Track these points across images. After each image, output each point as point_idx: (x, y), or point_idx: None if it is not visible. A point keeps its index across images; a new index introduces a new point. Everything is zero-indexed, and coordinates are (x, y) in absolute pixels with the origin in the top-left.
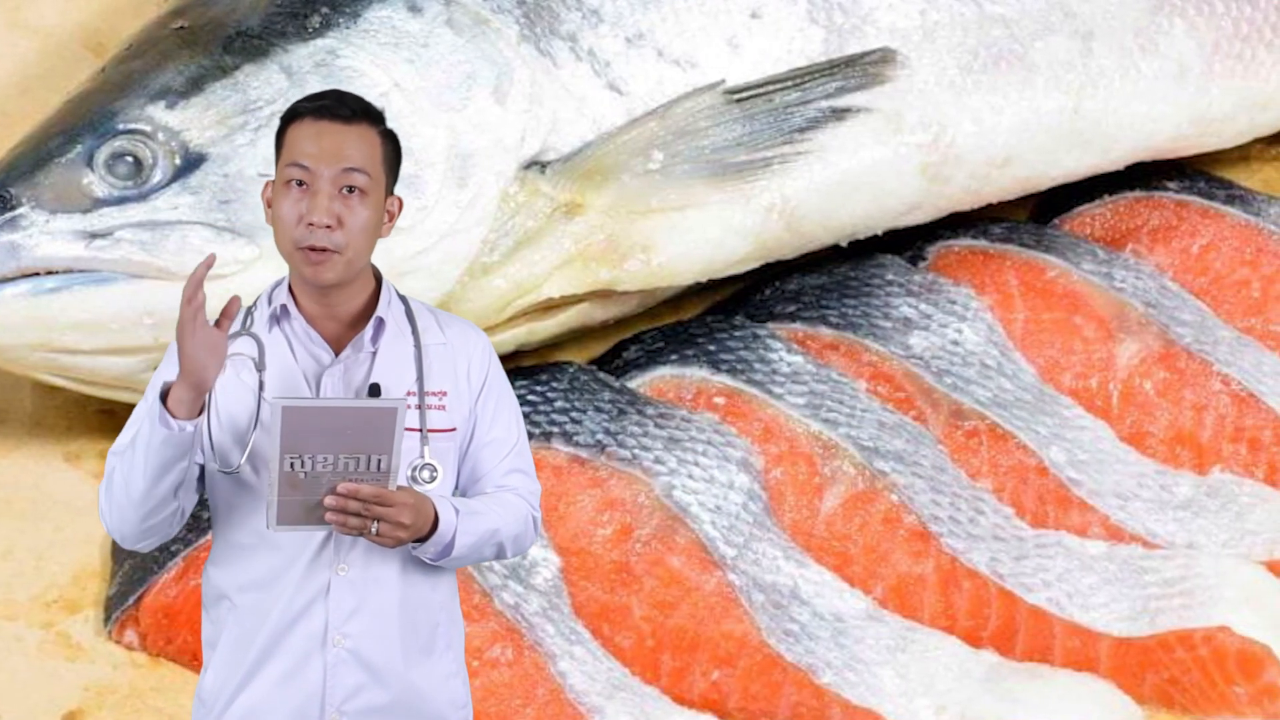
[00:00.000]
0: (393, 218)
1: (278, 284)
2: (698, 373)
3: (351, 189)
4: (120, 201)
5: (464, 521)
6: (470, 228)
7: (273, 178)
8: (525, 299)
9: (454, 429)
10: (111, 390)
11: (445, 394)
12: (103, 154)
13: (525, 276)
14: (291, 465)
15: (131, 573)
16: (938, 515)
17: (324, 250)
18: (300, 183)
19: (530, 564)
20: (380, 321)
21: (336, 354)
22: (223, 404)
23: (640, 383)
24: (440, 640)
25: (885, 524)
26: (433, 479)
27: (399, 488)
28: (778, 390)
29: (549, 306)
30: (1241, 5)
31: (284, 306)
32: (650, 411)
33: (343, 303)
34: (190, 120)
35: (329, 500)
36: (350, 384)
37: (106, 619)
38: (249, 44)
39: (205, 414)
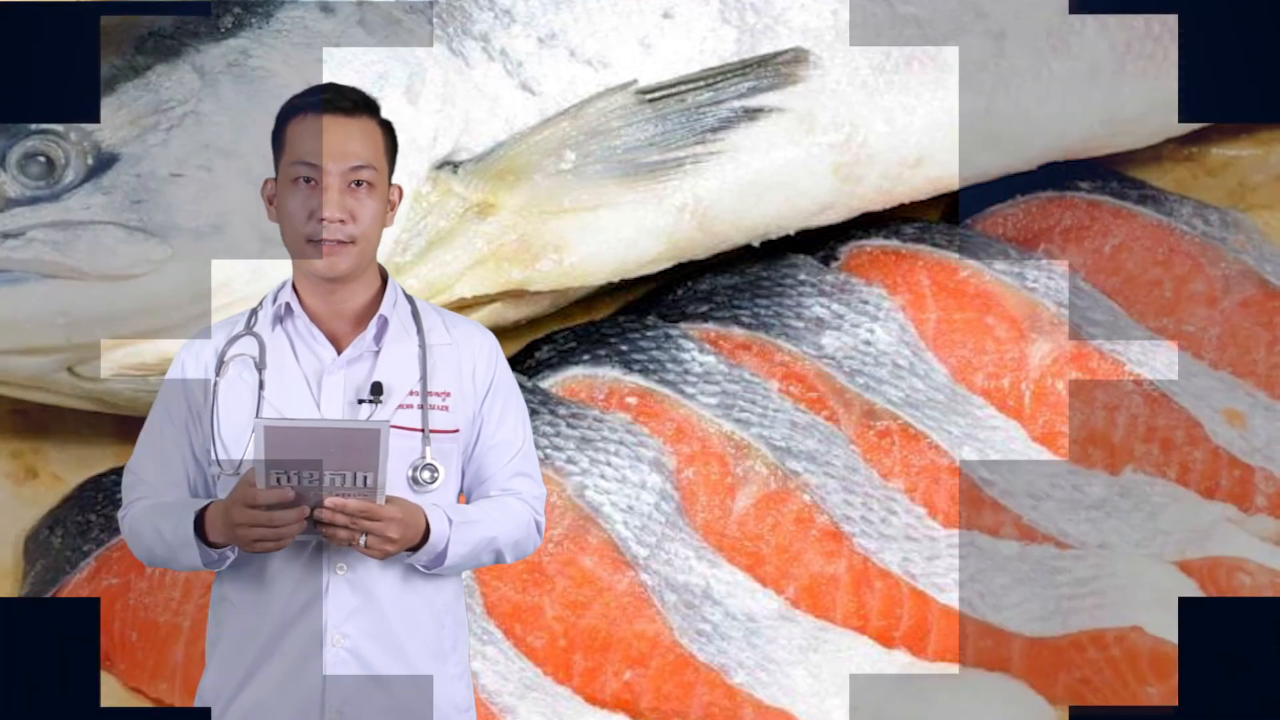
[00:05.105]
0: (394, 206)
1: (283, 284)
2: (610, 373)
3: (359, 183)
4: (33, 201)
5: (458, 531)
6: None
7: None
8: (437, 299)
9: (457, 430)
10: (24, 390)
11: (449, 395)
12: (15, 154)
13: (437, 276)
14: (278, 480)
15: (44, 573)
16: (850, 515)
17: (337, 243)
18: (308, 179)
19: None
20: (384, 320)
21: (339, 352)
22: (224, 405)
23: (553, 383)
24: (445, 641)
25: (797, 524)
26: (433, 479)
27: (388, 499)
28: (690, 390)
29: (461, 306)
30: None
31: (288, 305)
32: (562, 411)
33: (348, 299)
34: (102, 120)
35: (316, 514)
36: (352, 383)
37: None
38: (161, 44)
39: (213, 421)
